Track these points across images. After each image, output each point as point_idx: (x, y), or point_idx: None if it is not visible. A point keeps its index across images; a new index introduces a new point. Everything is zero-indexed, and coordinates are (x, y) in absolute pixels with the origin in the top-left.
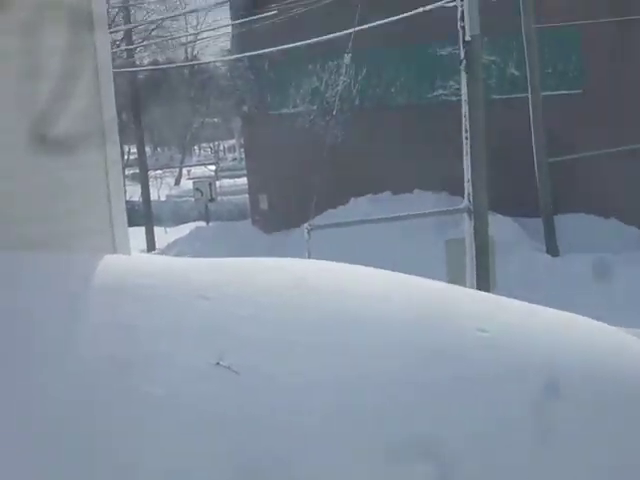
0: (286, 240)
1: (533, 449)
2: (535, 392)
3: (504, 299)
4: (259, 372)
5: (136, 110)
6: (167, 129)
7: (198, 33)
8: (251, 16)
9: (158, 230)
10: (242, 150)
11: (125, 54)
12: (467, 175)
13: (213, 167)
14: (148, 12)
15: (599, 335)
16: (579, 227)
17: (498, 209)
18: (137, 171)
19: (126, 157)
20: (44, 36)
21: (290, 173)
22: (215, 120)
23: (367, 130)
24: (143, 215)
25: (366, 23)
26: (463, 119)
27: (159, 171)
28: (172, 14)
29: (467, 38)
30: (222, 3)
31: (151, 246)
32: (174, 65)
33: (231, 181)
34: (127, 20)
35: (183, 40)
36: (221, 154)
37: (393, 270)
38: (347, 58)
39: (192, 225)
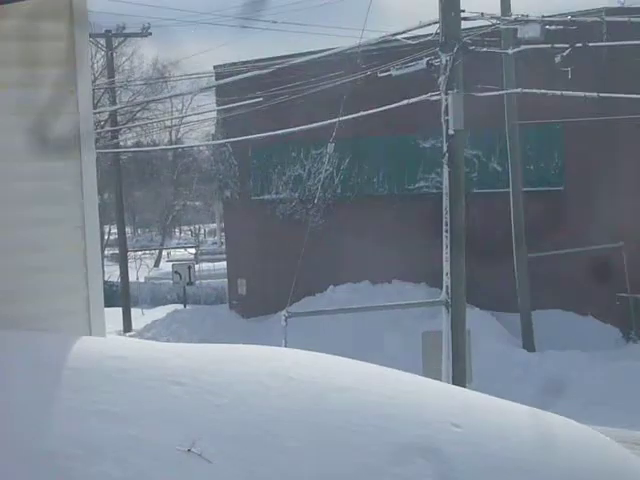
0: (263, 326)
1: None
2: None
3: (478, 394)
4: (231, 460)
5: (118, 190)
6: (149, 211)
7: (183, 117)
8: (236, 102)
9: (135, 311)
10: (223, 234)
11: (109, 135)
12: (446, 268)
13: (193, 250)
14: (134, 94)
15: (573, 433)
16: (556, 323)
17: (476, 303)
18: (117, 251)
19: (106, 237)
20: None
21: (270, 259)
22: (197, 203)
23: (348, 219)
24: (121, 296)
25: (350, 113)
26: (444, 212)
27: (139, 252)
28: (158, 97)
29: (450, 132)
30: (208, 88)
31: (128, 327)
32: (158, 147)
33: (210, 265)
34: (112, 101)
35: (168, 123)
36: (201, 237)
37: (369, 360)
38: (330, 147)
39: (170, 307)
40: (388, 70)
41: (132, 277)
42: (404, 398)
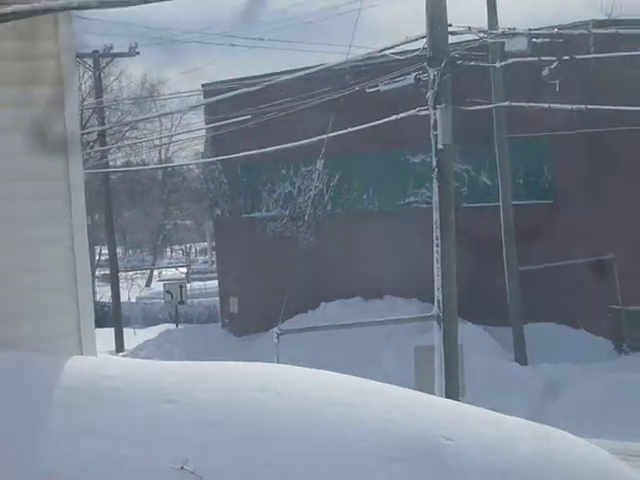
0: (256, 344)
1: None
2: None
3: (470, 407)
4: (224, 477)
5: (108, 211)
6: (139, 230)
7: (172, 135)
8: (225, 120)
9: (127, 331)
10: (214, 253)
11: (99, 155)
12: (437, 283)
13: (184, 269)
14: (123, 113)
15: (568, 446)
16: (548, 337)
17: (468, 317)
18: (108, 272)
19: (97, 258)
20: None
21: (261, 277)
22: (187, 222)
23: (338, 236)
24: (113, 316)
25: (340, 129)
26: (434, 226)
27: (130, 272)
28: (146, 116)
29: (439, 146)
30: (197, 107)
31: (120, 347)
32: (148, 167)
33: (202, 284)
34: (101, 121)
35: (157, 142)
36: (192, 256)
37: (362, 375)
38: (319, 164)
39: (162, 327)
40: (376, 86)
41: (124, 297)
42: (397, 412)
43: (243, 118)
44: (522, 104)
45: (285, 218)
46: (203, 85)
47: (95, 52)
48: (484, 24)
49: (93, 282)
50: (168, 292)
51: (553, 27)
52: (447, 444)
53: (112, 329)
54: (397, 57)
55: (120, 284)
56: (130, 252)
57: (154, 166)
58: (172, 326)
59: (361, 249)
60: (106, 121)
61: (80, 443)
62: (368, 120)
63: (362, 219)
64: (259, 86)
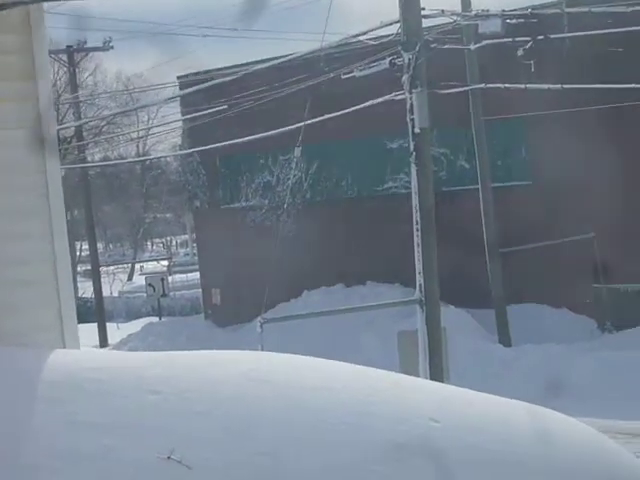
0: (240, 334)
1: None
2: None
3: (456, 389)
4: (210, 465)
5: (87, 206)
6: (119, 225)
7: (149, 128)
8: (201, 111)
9: (110, 326)
10: (194, 245)
11: (76, 150)
12: (418, 267)
13: (166, 262)
14: (99, 108)
15: (555, 424)
16: (531, 317)
17: (450, 300)
18: (89, 267)
19: (78, 253)
20: None
21: (242, 267)
22: (167, 215)
23: (319, 224)
24: (95, 311)
25: (316, 117)
26: (414, 211)
27: (111, 267)
28: (123, 110)
29: (416, 130)
30: (172, 99)
31: (103, 342)
32: (126, 161)
33: (184, 276)
34: (78, 116)
35: (134, 135)
36: (173, 249)
37: (346, 361)
38: (297, 151)
39: (145, 321)
40: (352, 72)
41: (106, 292)
42: (381, 395)
43: (219, 109)
44: (497, 85)
45: (265, 208)
46: (178, 77)
47: (69, 47)
48: (457, 7)
49: (75, 278)
50: (150, 285)
51: (526, 7)
52: (433, 425)
53: (95, 324)
54: (372, 42)
55: (102, 279)
56: (111, 247)
57: (132, 159)
58: (155, 319)
59: (342, 236)
60: (82, 116)
61: (64, 436)
62: (345, 107)
63: (341, 206)
64: (234, 76)
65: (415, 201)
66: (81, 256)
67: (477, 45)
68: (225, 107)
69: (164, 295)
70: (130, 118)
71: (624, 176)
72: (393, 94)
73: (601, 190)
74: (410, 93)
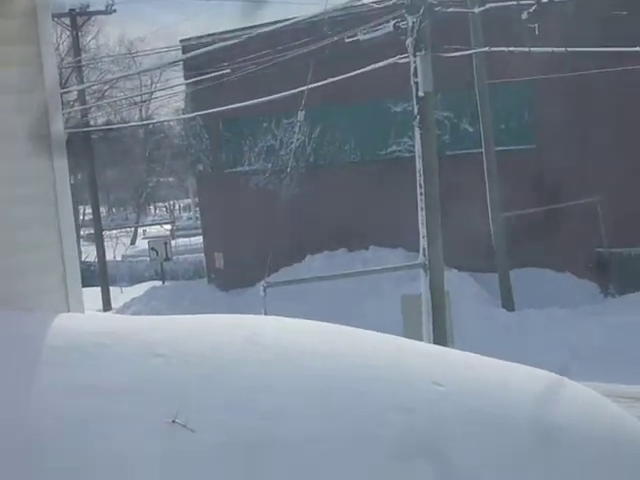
0: (243, 298)
1: None
2: (492, 446)
3: (460, 353)
4: (215, 428)
5: (90, 170)
6: (122, 189)
7: (152, 92)
8: (204, 75)
9: (114, 290)
10: (197, 209)
11: (79, 114)
12: (422, 230)
13: (169, 226)
14: (102, 72)
15: (558, 387)
16: (534, 282)
17: (454, 264)
18: (92, 231)
19: (81, 217)
20: None
21: (246, 231)
22: (170, 179)
23: (322, 187)
24: (99, 275)
25: (319, 80)
26: (417, 175)
27: (114, 231)
28: (125, 73)
29: (420, 94)
30: (175, 63)
31: (107, 306)
32: (129, 125)
33: (187, 240)
34: (80, 80)
35: (137, 100)
36: (176, 213)
37: (349, 326)
38: (300, 115)
39: (148, 285)
40: (355, 35)
41: (109, 256)
42: (385, 360)
43: (222, 72)
44: (501, 49)
45: (268, 171)
46: (181, 40)
47: (72, 11)
48: None
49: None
50: (153, 249)
51: None
52: (437, 389)
53: (99, 288)
54: (376, 5)
55: (105, 243)
56: (114, 211)
57: (135, 123)
58: (158, 283)
59: (345, 200)
60: (85, 80)
61: (68, 400)
62: (349, 70)
63: (345, 170)
64: (237, 40)
65: (419, 165)
66: (84, 220)
67: (481, 8)
68: (228, 71)
69: (167, 259)
70: (133, 82)
71: (628, 139)
72: (397, 57)
73: (605, 153)
74: (414, 56)
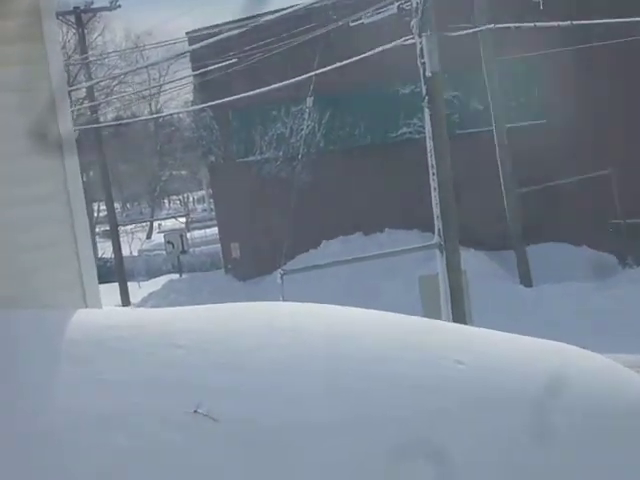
0: (260, 287)
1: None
2: (517, 422)
3: (480, 330)
4: (237, 416)
5: (103, 166)
6: (135, 184)
7: (161, 86)
8: (212, 66)
9: (132, 285)
10: (211, 200)
11: (88, 111)
12: (436, 211)
13: (183, 219)
14: (109, 68)
15: (579, 361)
16: (551, 256)
17: (469, 243)
18: (107, 228)
19: (96, 214)
20: None
21: (260, 220)
22: (183, 172)
23: (334, 173)
24: (116, 271)
25: (326, 67)
26: (428, 155)
27: (130, 226)
28: (133, 68)
29: (428, 74)
30: (182, 55)
31: (125, 301)
32: (138, 119)
33: (202, 232)
34: (88, 77)
35: (146, 94)
36: (191, 206)
37: (368, 308)
38: (309, 101)
39: (165, 278)
40: (360, 19)
41: (125, 251)
42: (405, 340)
43: (229, 62)
44: (507, 25)
45: (279, 159)
46: (187, 32)
47: (76, 8)
48: None
49: (94, 239)
50: (169, 242)
51: None
52: (458, 367)
53: (116, 284)
54: None
55: (121, 238)
56: (128, 206)
57: (145, 117)
58: (176, 276)
59: (358, 184)
60: (93, 77)
61: (90, 394)
62: (355, 55)
63: (356, 154)
64: (242, 29)
65: (430, 145)
66: (99, 217)
67: None
68: (235, 61)
69: (184, 252)
70: (141, 76)
71: (638, 110)
72: (402, 39)
73: (616, 125)
74: (420, 37)
